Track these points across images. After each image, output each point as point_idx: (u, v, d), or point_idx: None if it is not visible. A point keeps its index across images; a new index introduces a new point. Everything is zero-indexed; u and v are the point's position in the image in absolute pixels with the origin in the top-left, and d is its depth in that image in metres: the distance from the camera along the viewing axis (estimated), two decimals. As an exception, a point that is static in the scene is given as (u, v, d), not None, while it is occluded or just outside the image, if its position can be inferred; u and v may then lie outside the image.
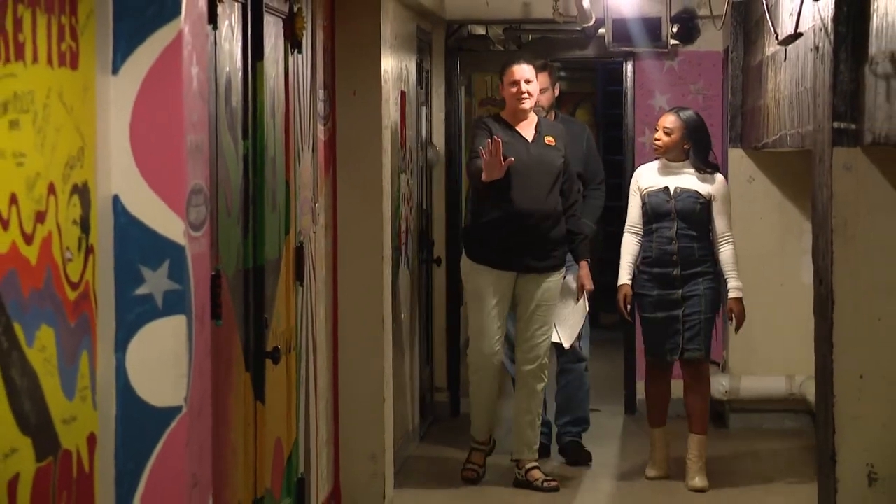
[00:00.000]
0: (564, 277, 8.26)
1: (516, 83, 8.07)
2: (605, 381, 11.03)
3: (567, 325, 8.52)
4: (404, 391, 9.03)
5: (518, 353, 8.27)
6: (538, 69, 8.51)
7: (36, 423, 3.51)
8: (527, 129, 8.15)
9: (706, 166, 8.16)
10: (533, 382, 8.23)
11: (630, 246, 8.26)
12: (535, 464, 8.24)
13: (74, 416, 3.76)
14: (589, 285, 8.31)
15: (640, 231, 8.23)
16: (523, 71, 8.09)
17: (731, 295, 8.07)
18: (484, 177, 7.69)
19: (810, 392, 8.22)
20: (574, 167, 8.51)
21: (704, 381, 8.25)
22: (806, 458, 7.88)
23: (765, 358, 9.63)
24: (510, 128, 8.11)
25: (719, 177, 8.20)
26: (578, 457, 8.81)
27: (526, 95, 8.07)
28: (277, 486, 5.95)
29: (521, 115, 8.14)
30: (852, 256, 5.42)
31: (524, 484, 8.14)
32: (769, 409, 10.05)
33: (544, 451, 8.74)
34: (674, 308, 8.08)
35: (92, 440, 3.90)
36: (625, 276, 8.25)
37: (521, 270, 8.06)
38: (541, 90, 8.47)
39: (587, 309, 8.60)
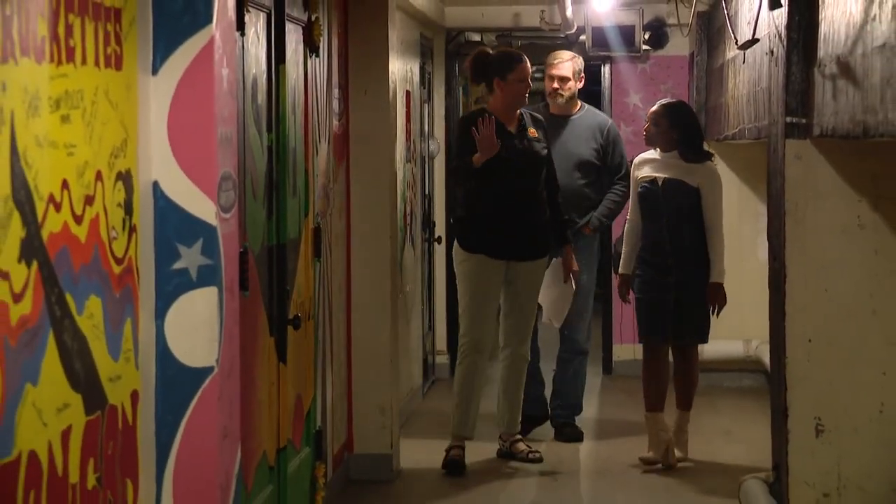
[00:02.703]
0: (552, 259, 7.68)
1: (524, 80, 7.41)
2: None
3: (555, 306, 7.80)
4: (409, 353, 9.02)
5: (504, 333, 7.61)
6: (567, 59, 8.18)
7: (85, 381, 3.51)
8: (512, 123, 7.48)
9: (695, 155, 7.43)
10: (518, 362, 7.59)
11: (630, 237, 7.62)
12: (518, 436, 7.68)
13: (119, 375, 3.76)
14: (574, 267, 7.71)
15: (638, 221, 7.56)
16: (528, 70, 7.47)
17: (711, 279, 7.38)
18: (478, 157, 7.12)
19: (765, 354, 8.20)
20: (587, 157, 8.11)
21: (693, 363, 7.61)
22: (761, 412, 7.87)
23: (725, 324, 9.57)
24: (497, 122, 7.32)
25: (708, 165, 7.48)
26: (571, 437, 8.20)
27: (526, 93, 7.47)
28: (298, 437, 5.95)
29: (513, 112, 7.47)
30: (802, 236, 5.41)
31: (508, 455, 7.60)
32: (729, 369, 10.07)
33: (539, 421, 8.19)
34: (665, 292, 7.38)
35: (135, 396, 3.90)
36: (623, 266, 7.66)
37: (513, 258, 7.43)
38: (563, 78, 8.11)
39: (574, 288, 7.79)
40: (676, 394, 7.59)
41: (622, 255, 7.69)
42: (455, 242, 7.62)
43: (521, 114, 7.55)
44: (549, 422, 8.29)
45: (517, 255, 7.44)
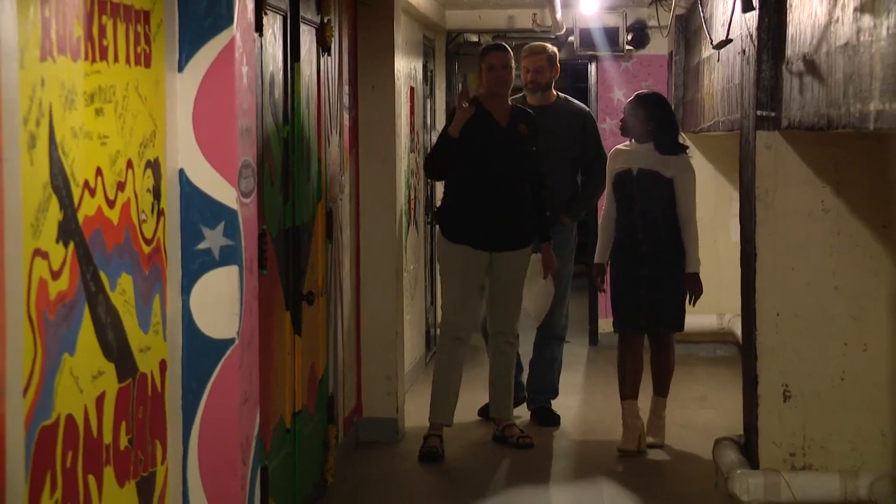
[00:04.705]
0: (534, 252, 7.18)
1: (494, 67, 7.02)
2: (574, 319, 10.99)
3: (534, 304, 7.38)
4: (413, 326, 9.02)
5: (491, 324, 7.18)
6: (539, 51, 7.67)
7: (118, 351, 3.50)
8: (501, 115, 7.06)
9: (670, 147, 6.94)
10: (507, 350, 7.16)
11: (605, 227, 7.09)
12: (512, 422, 7.24)
13: (149, 346, 3.76)
14: (554, 265, 7.24)
15: (613, 211, 7.03)
16: (500, 57, 7.05)
17: (687, 269, 6.89)
18: (454, 126, 6.79)
19: (737, 327, 8.20)
20: (572, 147, 7.64)
21: (669, 351, 7.12)
22: (733, 379, 7.87)
23: (701, 300, 9.59)
24: (485, 111, 7.01)
25: (683, 158, 6.97)
26: (547, 421, 7.67)
27: (502, 80, 7.04)
28: (312, 402, 5.95)
29: (497, 99, 7.05)
30: (772, 219, 5.40)
31: (501, 439, 7.18)
32: (704, 340, 10.07)
33: (518, 403, 7.56)
34: (639, 284, 6.90)
35: (163, 365, 3.90)
36: (598, 256, 7.14)
37: (495, 249, 6.97)
38: (538, 70, 7.59)
39: (552, 289, 7.37)
40: (653, 381, 7.15)
41: (598, 245, 7.18)
42: (438, 232, 7.17)
43: (513, 109, 7.15)
44: (525, 405, 7.82)
45: (500, 245, 6.99)
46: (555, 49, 7.84)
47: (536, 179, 7.10)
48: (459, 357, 7.08)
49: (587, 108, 7.98)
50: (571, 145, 7.67)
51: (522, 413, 7.80)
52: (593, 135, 7.77)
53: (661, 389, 7.16)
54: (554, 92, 7.78)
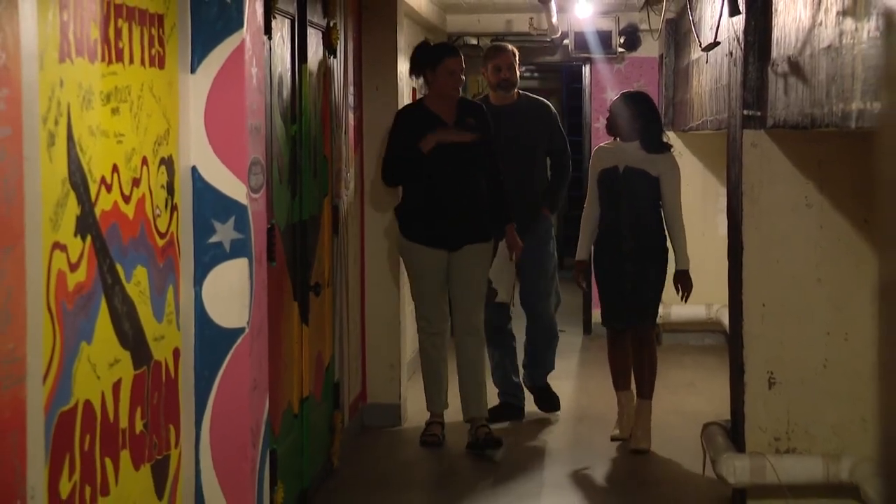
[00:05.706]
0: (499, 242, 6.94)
1: (454, 72, 6.64)
2: (569, 309, 11.02)
3: (500, 282, 7.21)
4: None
5: (456, 321, 6.80)
6: (507, 49, 7.45)
7: (133, 339, 3.51)
8: (447, 114, 6.69)
9: (655, 146, 6.71)
10: (475, 346, 6.78)
11: (586, 224, 6.85)
12: (484, 422, 6.77)
13: (163, 334, 3.76)
14: (519, 244, 6.91)
15: (595, 209, 6.79)
16: (461, 63, 6.70)
17: (677, 267, 6.68)
18: (426, 143, 6.53)
19: (724, 317, 8.20)
20: (541, 141, 7.45)
21: (650, 348, 6.80)
22: (720, 367, 7.86)
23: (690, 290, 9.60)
24: (431, 113, 6.68)
25: (669, 156, 6.72)
26: (548, 403, 7.61)
27: (458, 85, 6.69)
28: (318, 389, 5.96)
29: (447, 101, 6.69)
30: (757, 213, 5.40)
31: (474, 445, 6.71)
32: (693, 329, 10.07)
33: (518, 414, 7.47)
34: (623, 279, 6.68)
35: (176, 353, 3.90)
36: (580, 253, 6.90)
37: (453, 247, 6.67)
38: (510, 66, 7.33)
39: (513, 268, 7.19)
40: (636, 382, 6.86)
41: (579, 243, 6.91)
42: (398, 230, 6.85)
43: (459, 103, 6.77)
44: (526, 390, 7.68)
45: (456, 243, 6.67)
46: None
47: (492, 168, 6.76)
48: (441, 350, 6.86)
49: (547, 101, 7.78)
50: (541, 140, 7.50)
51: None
52: (557, 126, 7.56)
53: (644, 391, 6.82)
54: (515, 90, 7.56)
